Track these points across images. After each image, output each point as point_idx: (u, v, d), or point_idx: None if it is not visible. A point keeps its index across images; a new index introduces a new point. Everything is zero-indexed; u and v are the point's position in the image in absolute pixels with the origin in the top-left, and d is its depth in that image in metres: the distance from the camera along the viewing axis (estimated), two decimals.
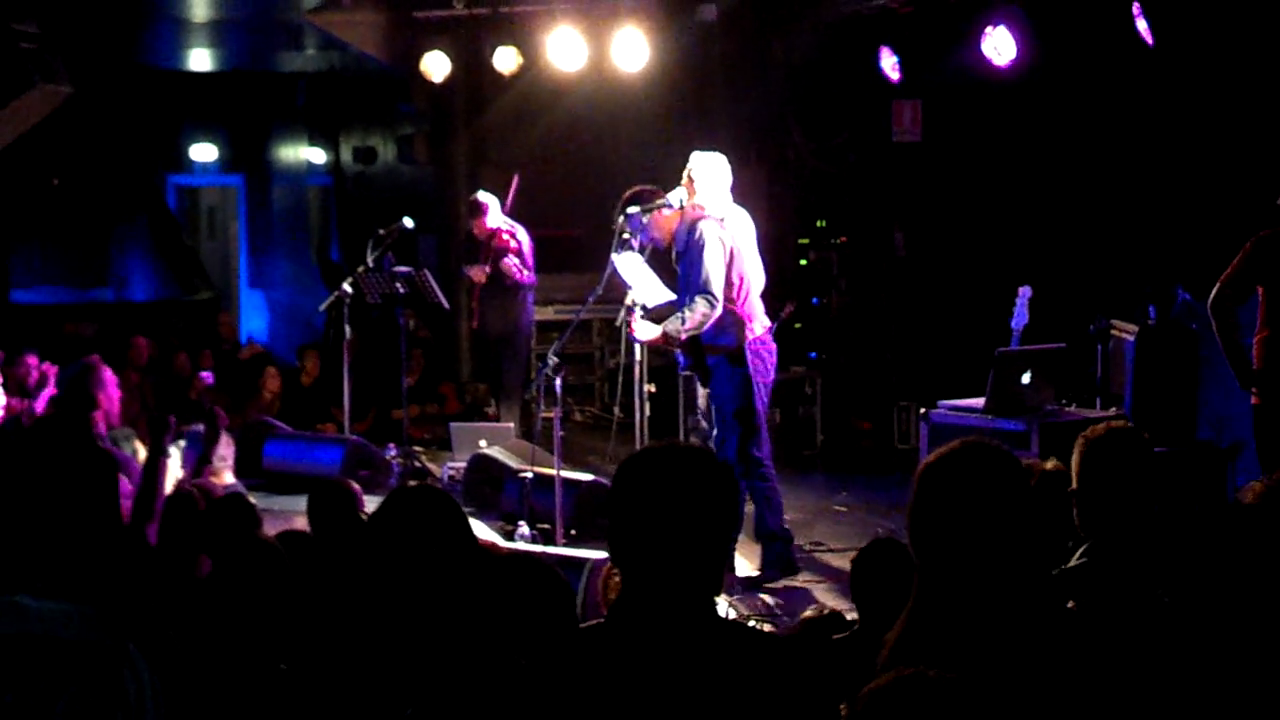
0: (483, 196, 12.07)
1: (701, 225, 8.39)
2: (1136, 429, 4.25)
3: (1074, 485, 4.16)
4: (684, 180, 9.63)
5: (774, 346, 8.59)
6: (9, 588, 3.05)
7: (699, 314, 8.29)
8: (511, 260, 11.72)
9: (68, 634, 2.99)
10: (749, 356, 8.41)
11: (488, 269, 11.84)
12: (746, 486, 8.53)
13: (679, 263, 8.54)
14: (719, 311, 8.32)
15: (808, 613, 5.43)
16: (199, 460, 7.27)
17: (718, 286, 8.31)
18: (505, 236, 11.91)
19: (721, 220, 8.44)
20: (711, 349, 8.48)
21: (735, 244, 8.43)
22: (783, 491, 8.71)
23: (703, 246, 8.30)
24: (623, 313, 9.50)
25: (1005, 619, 3.32)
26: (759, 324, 8.49)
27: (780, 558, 8.51)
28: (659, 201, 9.54)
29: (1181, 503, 4.24)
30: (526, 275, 11.84)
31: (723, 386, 8.49)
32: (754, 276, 8.56)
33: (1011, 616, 3.33)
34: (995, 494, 3.38)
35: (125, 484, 6.78)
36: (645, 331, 8.55)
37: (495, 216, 11.94)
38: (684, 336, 8.39)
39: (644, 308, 8.72)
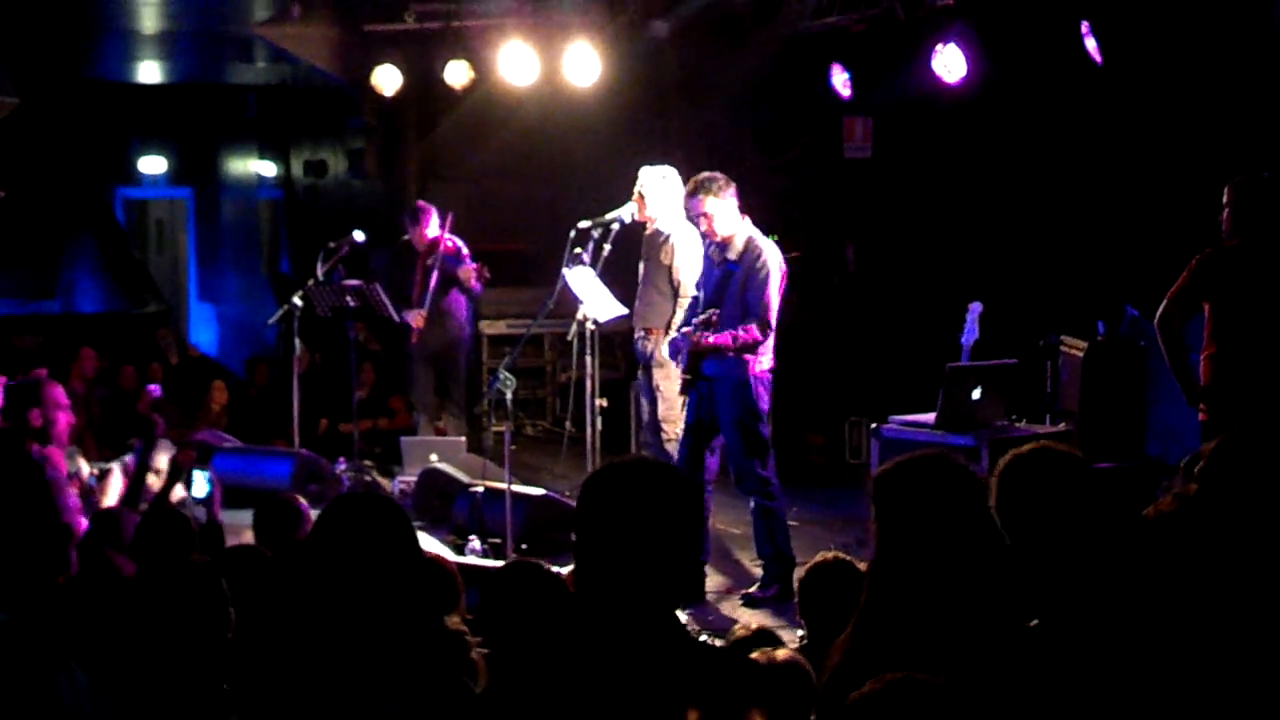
0: (423, 204, 11.97)
1: (767, 250, 8.42)
2: (1061, 452, 4.17)
3: (992, 500, 4.10)
4: (635, 195, 9.65)
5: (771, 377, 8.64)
6: None
7: (751, 336, 8.34)
8: (469, 266, 11.55)
9: (1, 644, 2.97)
10: (754, 383, 8.45)
11: (425, 314, 11.65)
12: (754, 506, 8.59)
13: (722, 266, 8.49)
14: (767, 343, 8.41)
15: (737, 629, 5.43)
16: (137, 469, 7.19)
17: (774, 316, 8.38)
18: (449, 243, 11.71)
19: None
20: (723, 364, 8.48)
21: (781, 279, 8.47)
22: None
23: (770, 272, 8.35)
24: (574, 327, 9.51)
25: (957, 630, 3.33)
26: (768, 358, 8.56)
27: (779, 577, 8.51)
28: (609, 216, 9.57)
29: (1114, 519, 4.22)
30: (484, 280, 11.58)
31: (726, 408, 8.50)
32: None
33: (964, 628, 3.34)
34: (948, 502, 3.40)
35: (73, 498, 6.74)
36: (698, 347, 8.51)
37: (435, 226, 11.82)
38: (729, 352, 8.41)
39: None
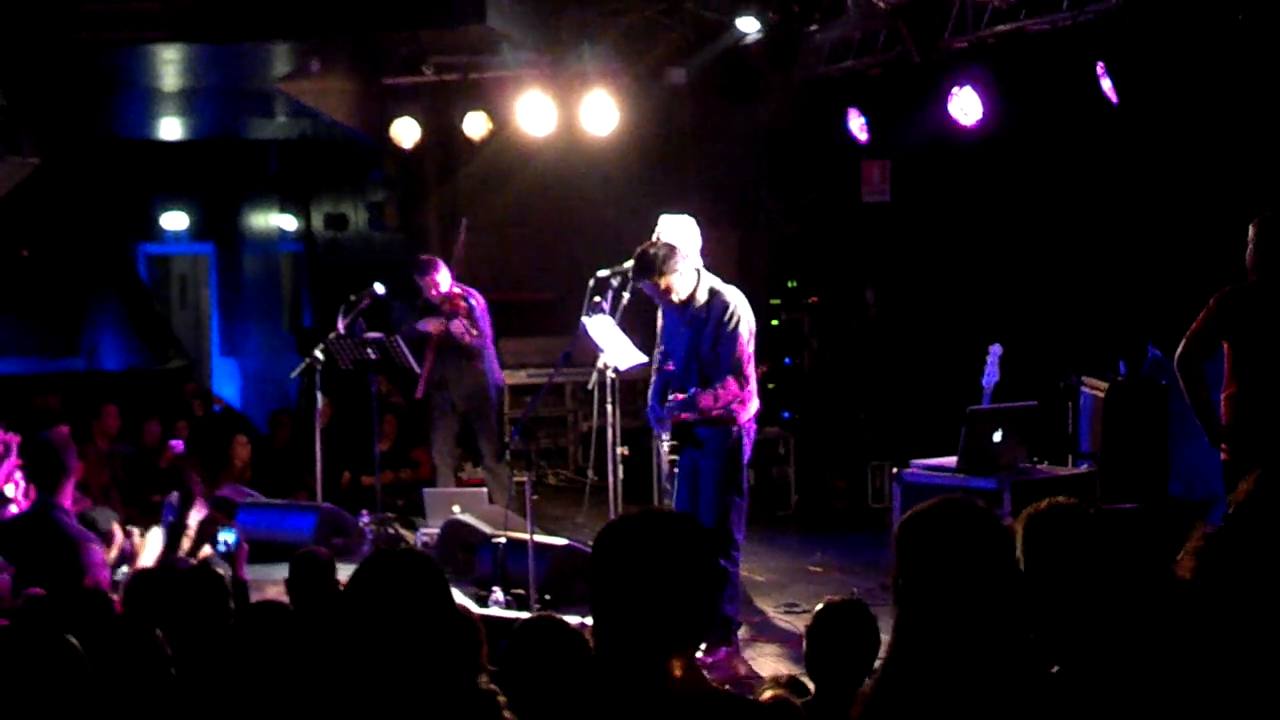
0: (428, 257, 11.79)
1: (734, 301, 8.25)
2: (1077, 505, 4.19)
3: (1021, 565, 4.09)
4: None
5: (755, 427, 8.51)
6: None
7: (731, 393, 8.18)
8: (460, 322, 11.47)
9: None
10: (741, 435, 8.30)
11: (444, 322, 11.56)
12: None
13: (694, 325, 8.34)
14: (747, 392, 8.24)
15: (767, 680, 5.39)
16: (173, 526, 7.22)
17: (750, 367, 8.25)
18: (458, 299, 11.57)
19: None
20: (710, 423, 8.31)
21: (752, 323, 8.36)
22: (759, 552, 8.62)
23: (738, 323, 8.20)
24: (594, 375, 9.49)
25: (984, 677, 3.31)
26: (754, 405, 8.40)
27: (721, 636, 8.28)
28: (628, 265, 9.57)
29: (1135, 567, 4.21)
30: (475, 337, 11.44)
31: (711, 460, 8.32)
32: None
33: (990, 675, 3.32)
34: (973, 549, 3.38)
35: (97, 554, 6.74)
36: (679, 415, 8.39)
37: (447, 280, 11.65)
38: (715, 413, 8.28)
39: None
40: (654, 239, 9.54)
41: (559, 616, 4.95)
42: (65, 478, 7.06)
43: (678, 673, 2.99)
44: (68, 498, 7.14)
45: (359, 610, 3.34)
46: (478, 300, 11.60)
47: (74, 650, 3.71)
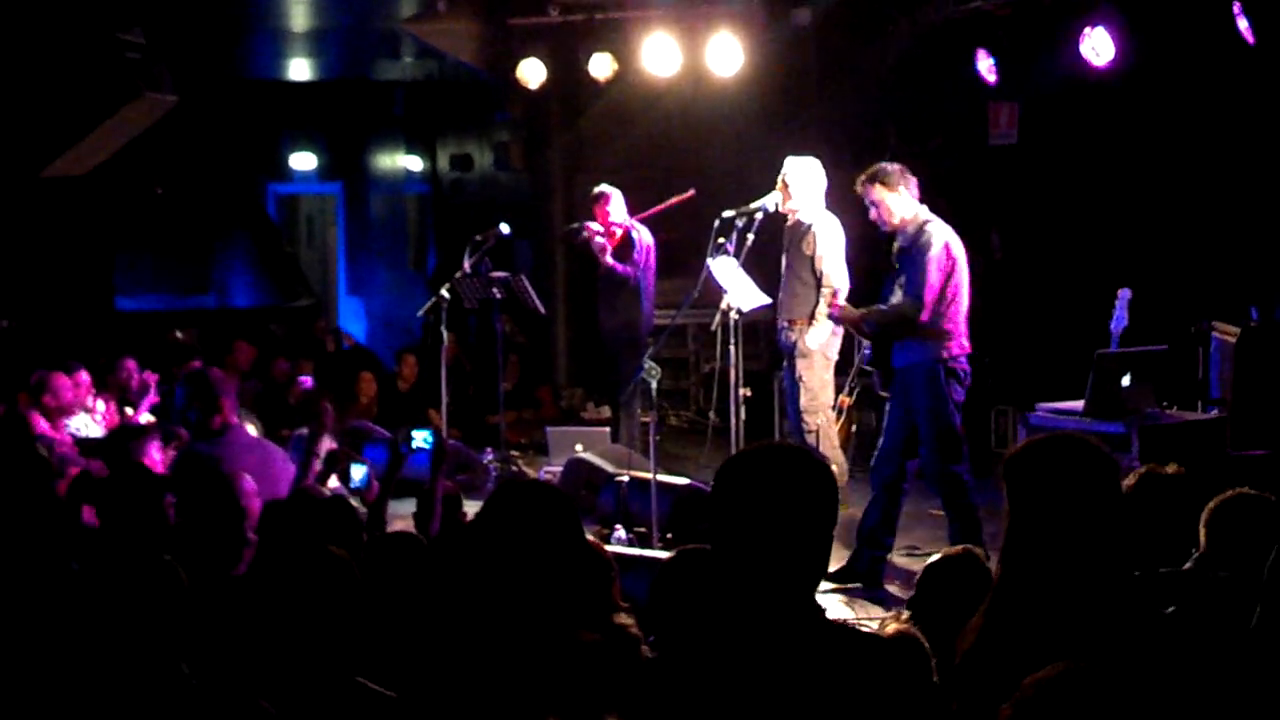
0: (607, 188, 11.77)
1: (931, 229, 8.22)
2: (1262, 496, 4.20)
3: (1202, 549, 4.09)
4: (779, 184, 9.66)
5: (969, 368, 8.40)
6: None
7: (898, 314, 8.20)
8: (599, 240, 11.50)
9: None
10: (942, 373, 8.24)
11: (600, 232, 11.53)
12: (944, 503, 8.52)
13: (899, 257, 8.36)
14: (923, 318, 8.17)
15: (890, 617, 5.40)
16: (305, 455, 7.32)
17: (929, 295, 8.15)
18: (617, 231, 11.59)
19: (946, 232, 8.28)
20: (907, 357, 8.31)
21: (960, 256, 8.29)
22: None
23: (927, 249, 8.15)
24: (717, 317, 9.52)
25: (1089, 617, 3.30)
26: (960, 342, 8.31)
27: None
28: (753, 206, 9.57)
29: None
30: (622, 266, 11.46)
31: (919, 399, 8.31)
32: (966, 293, 8.36)
33: (1096, 614, 3.31)
34: (1080, 482, 3.37)
35: (250, 482, 6.85)
36: (844, 313, 8.58)
37: (620, 211, 11.60)
38: (870, 329, 8.34)
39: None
40: (780, 179, 9.55)
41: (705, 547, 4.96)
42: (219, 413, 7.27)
43: (799, 607, 3.00)
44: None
45: (490, 540, 3.38)
46: (641, 236, 11.59)
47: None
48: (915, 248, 8.21)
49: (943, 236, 8.24)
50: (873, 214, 8.42)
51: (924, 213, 8.34)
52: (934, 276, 8.16)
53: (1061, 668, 2.62)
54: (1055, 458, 3.42)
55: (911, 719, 2.92)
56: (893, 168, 8.35)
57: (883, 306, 8.32)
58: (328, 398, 11.63)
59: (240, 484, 5.69)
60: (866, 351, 8.81)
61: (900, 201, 8.31)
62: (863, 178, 8.43)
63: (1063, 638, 3.21)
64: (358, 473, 7.39)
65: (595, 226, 11.53)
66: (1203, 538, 4.20)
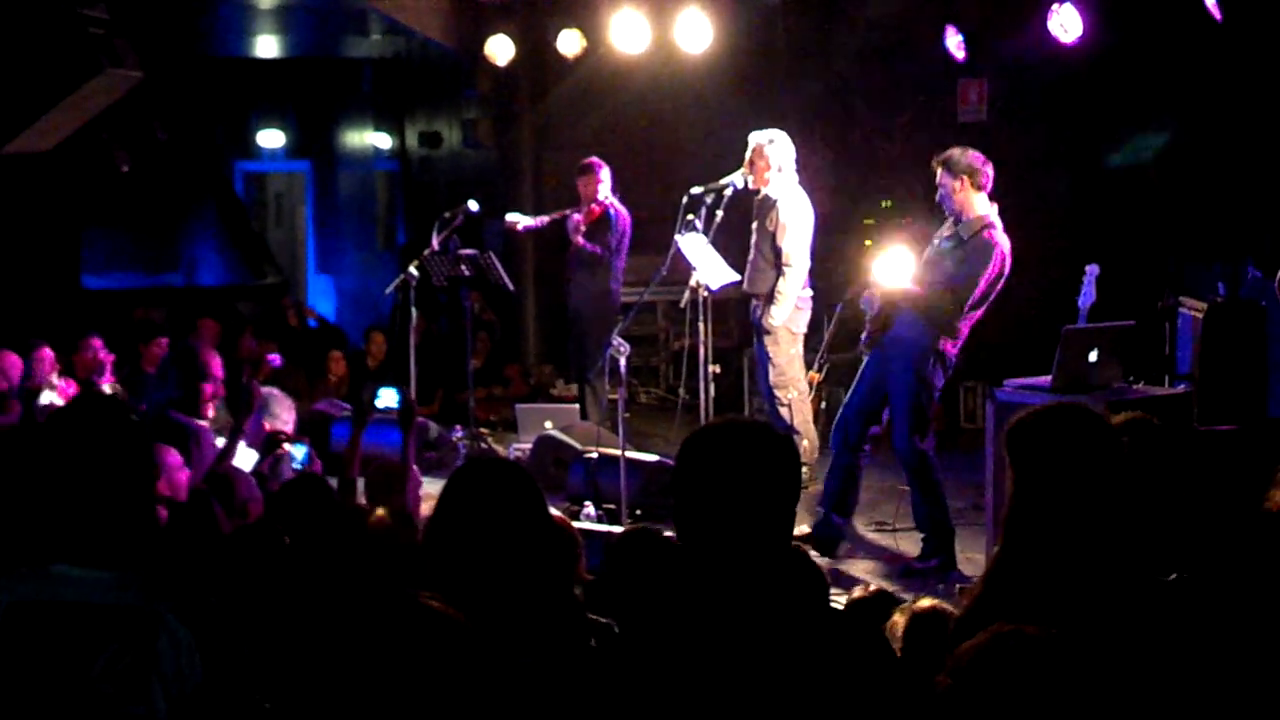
0: (598, 161, 11.73)
1: (995, 237, 8.13)
2: (1147, 420, 4.20)
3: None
4: (746, 160, 9.64)
5: (955, 360, 8.49)
6: (46, 558, 3.14)
7: (938, 306, 8.17)
8: (577, 218, 11.54)
9: (103, 599, 3.07)
10: (932, 359, 8.30)
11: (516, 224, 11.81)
12: (910, 478, 8.60)
13: (948, 241, 8.29)
14: (961, 324, 8.23)
15: (856, 591, 5.41)
16: (231, 435, 7.29)
17: (969, 300, 8.15)
18: (596, 209, 11.59)
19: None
20: (905, 331, 8.32)
21: (1006, 273, 8.22)
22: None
23: (986, 262, 8.09)
24: (686, 294, 9.51)
25: (1090, 580, 3.31)
26: (959, 342, 8.39)
27: (938, 549, 8.42)
28: (722, 182, 9.56)
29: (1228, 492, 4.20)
30: (591, 244, 11.48)
31: (902, 374, 8.35)
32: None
33: (1097, 578, 3.32)
34: (1084, 451, 3.39)
35: (175, 456, 6.83)
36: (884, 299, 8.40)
37: (606, 188, 11.59)
38: (912, 308, 8.24)
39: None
40: (747, 155, 9.53)
41: (655, 528, 4.99)
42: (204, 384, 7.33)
43: (760, 579, 2.99)
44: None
45: (453, 517, 3.38)
46: (618, 215, 11.59)
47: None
48: (974, 249, 8.13)
49: (1002, 251, 8.16)
50: (941, 194, 8.31)
51: (993, 214, 8.23)
52: (982, 287, 8.15)
53: (992, 632, 2.63)
54: (1061, 426, 3.44)
55: (877, 690, 2.92)
56: (979, 163, 8.18)
57: (916, 290, 8.24)
58: (296, 381, 11.61)
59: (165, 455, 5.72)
60: (864, 337, 8.71)
61: (979, 201, 8.19)
62: (942, 159, 8.26)
63: (1063, 604, 3.22)
64: (299, 452, 7.38)
65: (512, 218, 11.60)
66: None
